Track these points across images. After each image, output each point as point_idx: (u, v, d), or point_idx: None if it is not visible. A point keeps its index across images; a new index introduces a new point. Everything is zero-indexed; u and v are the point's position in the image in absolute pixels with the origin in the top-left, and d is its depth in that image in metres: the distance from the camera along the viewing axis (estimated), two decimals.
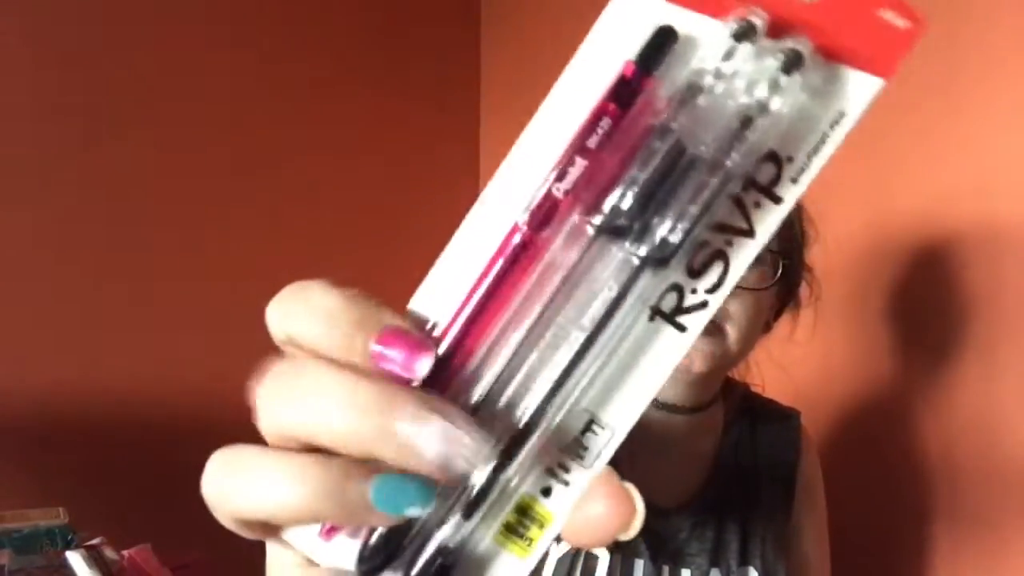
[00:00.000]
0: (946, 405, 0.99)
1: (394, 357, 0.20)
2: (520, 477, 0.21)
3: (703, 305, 0.22)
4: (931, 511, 0.99)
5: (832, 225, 0.83)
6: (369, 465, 0.20)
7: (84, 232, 1.18)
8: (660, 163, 0.20)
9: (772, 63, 0.20)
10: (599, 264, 0.21)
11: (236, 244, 1.34)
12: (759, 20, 0.20)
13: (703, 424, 0.78)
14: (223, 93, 1.35)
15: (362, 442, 0.19)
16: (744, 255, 0.22)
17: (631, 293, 0.21)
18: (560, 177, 0.20)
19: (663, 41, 0.20)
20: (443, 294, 0.21)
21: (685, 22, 0.21)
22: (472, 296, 0.21)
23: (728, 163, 0.20)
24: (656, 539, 0.71)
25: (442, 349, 0.21)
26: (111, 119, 1.21)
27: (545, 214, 0.21)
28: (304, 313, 0.20)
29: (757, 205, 0.21)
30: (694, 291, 0.22)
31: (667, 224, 0.20)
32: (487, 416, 0.21)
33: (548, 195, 0.20)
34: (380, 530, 0.21)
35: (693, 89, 0.20)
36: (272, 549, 0.23)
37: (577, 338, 0.21)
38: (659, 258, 0.21)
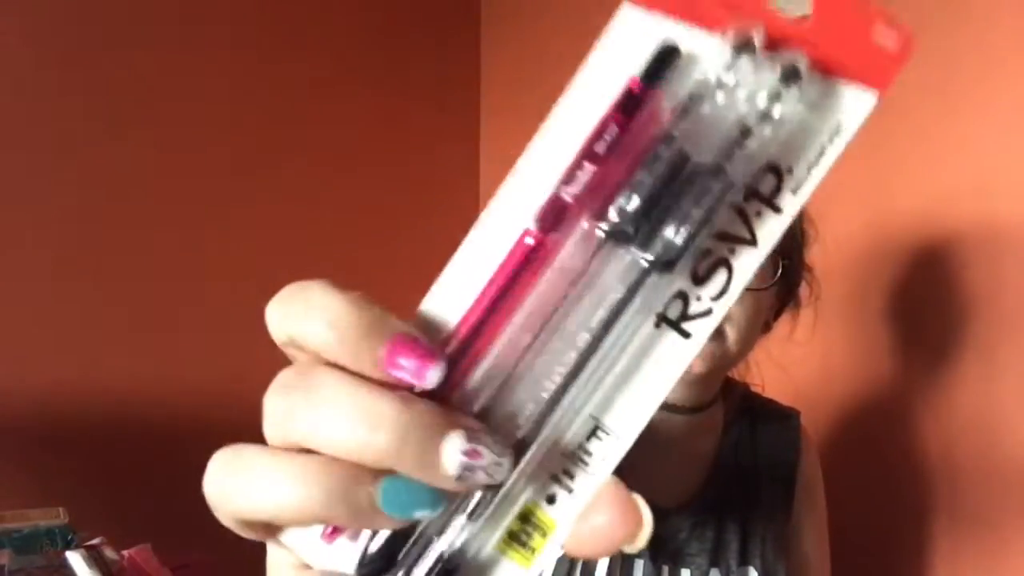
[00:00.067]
0: (946, 405, 0.99)
1: (405, 366, 0.19)
2: (524, 483, 0.21)
3: (708, 312, 0.22)
4: (931, 511, 0.99)
5: (832, 225, 0.83)
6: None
7: (84, 232, 1.18)
8: (664, 168, 0.21)
9: (770, 75, 0.21)
10: (607, 268, 0.21)
11: (236, 244, 1.34)
12: (757, 34, 0.21)
13: (703, 424, 0.78)
14: (223, 93, 1.35)
15: (377, 455, 0.19)
16: (747, 263, 0.22)
17: (637, 297, 0.21)
18: (568, 181, 0.21)
19: (667, 56, 0.21)
20: (452, 298, 0.21)
21: (686, 37, 0.22)
22: (481, 300, 0.21)
23: (729, 168, 0.21)
24: (656, 539, 0.71)
25: (449, 350, 0.21)
26: (111, 119, 1.21)
27: (554, 217, 0.21)
28: (307, 316, 0.20)
29: (759, 215, 0.22)
30: (699, 298, 0.22)
31: (671, 227, 0.21)
32: (492, 421, 0.21)
33: (556, 198, 0.21)
34: (383, 534, 0.21)
35: (695, 98, 0.21)
36: (273, 550, 0.23)
37: (584, 339, 0.21)
38: (665, 260, 0.21)
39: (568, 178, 0.21)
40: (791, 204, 0.22)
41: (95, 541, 0.89)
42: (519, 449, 0.21)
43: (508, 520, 0.22)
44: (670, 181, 0.21)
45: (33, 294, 1.12)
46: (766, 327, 0.79)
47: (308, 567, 0.22)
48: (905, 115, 1.00)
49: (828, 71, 0.22)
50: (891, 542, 1.02)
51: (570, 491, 0.22)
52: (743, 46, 0.21)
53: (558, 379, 0.21)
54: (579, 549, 0.21)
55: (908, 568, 1.00)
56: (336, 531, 0.21)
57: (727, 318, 0.70)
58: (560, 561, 0.67)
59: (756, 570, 0.72)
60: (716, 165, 0.21)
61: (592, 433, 0.22)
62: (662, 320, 0.22)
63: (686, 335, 0.22)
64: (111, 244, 1.20)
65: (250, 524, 0.21)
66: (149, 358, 1.22)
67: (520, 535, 0.22)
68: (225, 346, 1.28)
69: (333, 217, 1.48)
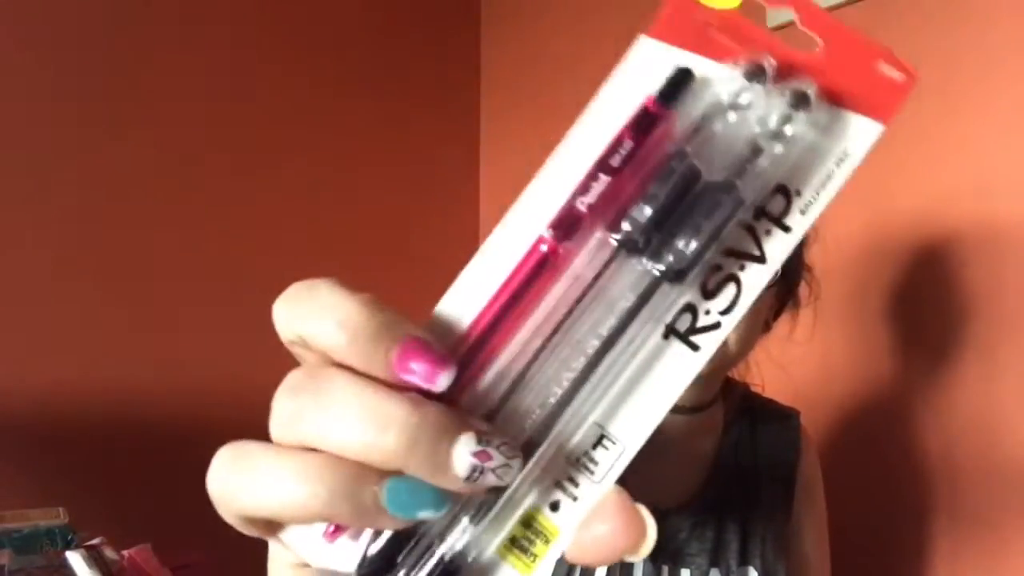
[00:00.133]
0: (946, 405, 0.99)
1: (416, 370, 0.19)
2: (528, 488, 0.21)
3: (716, 326, 0.22)
4: (931, 511, 0.99)
5: (832, 225, 0.83)
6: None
7: (84, 232, 1.18)
8: (677, 182, 0.21)
9: (780, 100, 0.22)
10: (618, 277, 0.22)
11: (236, 244, 1.34)
12: (768, 63, 0.22)
13: (703, 424, 0.78)
14: (223, 94, 1.35)
15: (386, 456, 0.19)
16: (756, 279, 0.23)
17: (647, 307, 0.22)
18: (583, 191, 0.21)
19: (682, 78, 0.22)
20: (466, 302, 0.22)
21: (700, 66, 0.23)
22: (493, 304, 0.21)
23: (739, 184, 0.22)
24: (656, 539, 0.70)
25: (460, 352, 0.21)
26: (111, 119, 1.21)
27: (569, 225, 0.21)
28: (317, 315, 0.20)
29: (768, 233, 0.23)
30: (708, 312, 0.22)
31: (683, 239, 0.21)
32: (500, 423, 0.21)
33: (571, 207, 0.21)
34: (384, 535, 0.21)
35: (708, 118, 0.22)
36: (274, 548, 0.23)
37: (593, 346, 0.21)
38: (676, 271, 0.21)
39: (583, 189, 0.21)
40: (800, 224, 0.23)
41: (95, 541, 0.89)
42: (525, 453, 0.21)
43: (510, 524, 0.22)
44: (682, 194, 0.21)
45: (33, 294, 1.12)
46: (766, 327, 0.79)
47: (307, 566, 0.22)
48: (905, 115, 1.00)
49: (836, 101, 0.23)
50: (891, 542, 1.02)
51: (574, 499, 0.22)
52: (755, 74, 0.22)
53: (566, 384, 0.21)
54: (581, 557, 0.21)
55: (908, 568, 1.00)
56: (338, 530, 0.21)
57: None
58: (560, 561, 0.67)
59: (756, 570, 0.72)
60: (727, 181, 0.22)
61: (598, 442, 0.22)
62: (671, 332, 0.22)
63: (694, 348, 0.22)
64: (111, 244, 1.20)
65: (253, 521, 0.20)
66: (149, 358, 1.22)
67: (522, 541, 0.22)
68: (225, 346, 1.28)
69: (333, 218, 1.48)
